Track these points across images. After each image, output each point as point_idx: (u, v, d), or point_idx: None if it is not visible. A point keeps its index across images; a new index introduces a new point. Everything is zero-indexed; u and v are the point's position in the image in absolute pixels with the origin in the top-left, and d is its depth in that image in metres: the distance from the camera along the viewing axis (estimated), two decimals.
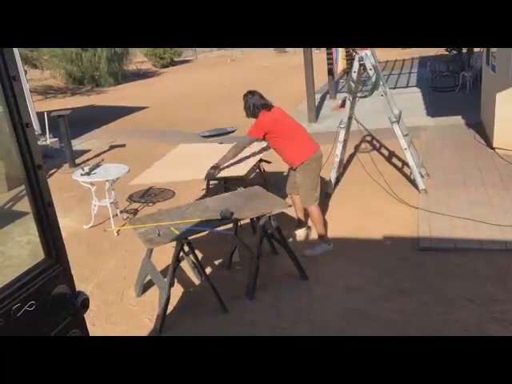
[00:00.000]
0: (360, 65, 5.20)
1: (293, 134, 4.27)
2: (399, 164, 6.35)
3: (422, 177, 5.48)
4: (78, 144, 9.51)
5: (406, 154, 5.31)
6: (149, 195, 6.29)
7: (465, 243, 4.19)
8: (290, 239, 4.59)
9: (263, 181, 5.58)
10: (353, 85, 5.31)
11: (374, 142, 7.35)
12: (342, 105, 9.98)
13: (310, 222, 4.65)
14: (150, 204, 5.96)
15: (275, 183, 5.81)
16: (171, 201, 5.95)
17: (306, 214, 4.62)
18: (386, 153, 6.88)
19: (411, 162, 5.32)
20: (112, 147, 9.05)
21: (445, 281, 3.73)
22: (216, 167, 4.42)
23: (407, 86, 11.87)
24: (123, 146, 9.10)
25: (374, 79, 5.12)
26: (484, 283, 3.64)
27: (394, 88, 11.51)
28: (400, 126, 5.32)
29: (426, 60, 14.30)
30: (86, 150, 9.06)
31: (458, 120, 8.06)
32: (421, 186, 5.30)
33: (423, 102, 9.71)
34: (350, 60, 14.41)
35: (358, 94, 5.32)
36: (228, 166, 4.55)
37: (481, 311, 3.32)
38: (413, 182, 5.51)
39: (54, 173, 7.74)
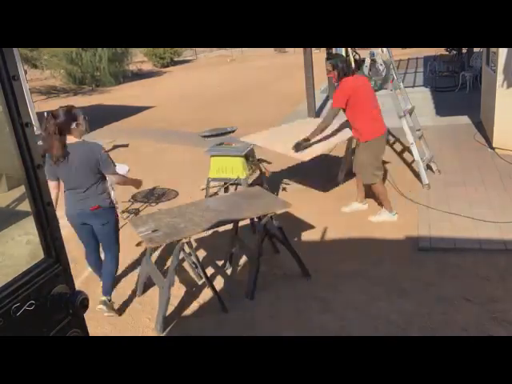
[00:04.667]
0: (371, 60, 5.46)
1: (369, 108, 4.49)
2: (401, 164, 6.35)
3: (432, 171, 5.67)
4: None
5: (412, 149, 5.47)
6: (152, 195, 6.28)
7: (464, 243, 4.19)
8: (295, 239, 4.59)
9: (262, 181, 5.57)
10: None
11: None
12: None
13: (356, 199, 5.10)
14: (153, 204, 5.95)
15: (273, 183, 5.83)
16: (174, 201, 5.94)
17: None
18: (390, 152, 6.88)
19: (416, 157, 5.46)
20: (115, 147, 9.05)
21: (445, 281, 3.73)
22: (307, 140, 4.63)
23: (414, 86, 11.82)
24: (126, 145, 9.10)
25: (383, 74, 5.40)
26: (484, 283, 3.64)
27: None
28: (409, 120, 5.50)
29: (428, 59, 14.28)
30: None
31: (457, 120, 8.06)
32: (424, 180, 5.42)
33: (425, 103, 9.69)
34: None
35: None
36: (318, 140, 4.78)
37: (480, 311, 3.32)
38: (415, 182, 5.52)
39: None
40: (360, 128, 4.52)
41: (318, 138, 4.72)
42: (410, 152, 5.66)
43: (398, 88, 5.46)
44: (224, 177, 5.23)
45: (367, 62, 5.55)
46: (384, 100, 5.81)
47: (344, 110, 4.52)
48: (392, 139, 7.25)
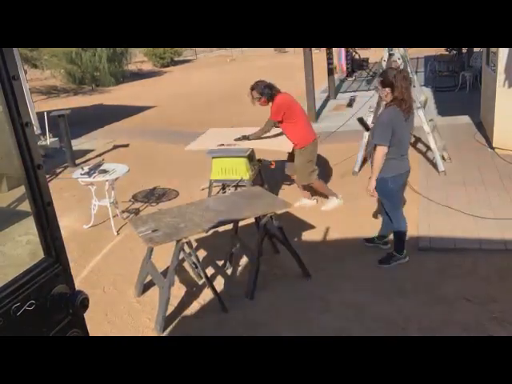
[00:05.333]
0: (389, 54, 5.73)
1: (301, 119, 5.02)
2: None
3: (444, 159, 5.95)
4: (80, 143, 9.50)
5: (429, 138, 5.80)
6: (152, 195, 6.28)
7: (464, 243, 4.19)
8: (295, 239, 4.59)
9: (262, 181, 5.57)
10: None
11: None
12: (350, 104, 10.01)
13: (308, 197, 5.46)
14: (153, 204, 5.95)
15: (273, 183, 5.81)
16: (174, 201, 5.94)
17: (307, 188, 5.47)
18: None
19: (433, 145, 5.78)
20: (115, 147, 9.04)
21: (445, 281, 3.73)
22: (246, 137, 5.20)
23: (414, 86, 11.83)
24: (126, 145, 9.09)
25: (401, 68, 5.59)
26: (484, 283, 3.64)
27: None
28: (424, 112, 5.81)
29: (428, 59, 14.26)
30: (88, 150, 9.04)
31: (457, 120, 8.06)
32: (440, 167, 5.70)
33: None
34: (350, 60, 14.43)
35: None
36: (258, 139, 5.28)
37: (480, 311, 3.32)
38: (415, 183, 5.51)
39: (60, 172, 7.72)
40: (296, 137, 4.99)
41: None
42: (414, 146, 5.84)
43: (413, 81, 5.71)
44: (227, 178, 5.20)
45: (385, 56, 5.80)
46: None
47: (279, 123, 5.03)
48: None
